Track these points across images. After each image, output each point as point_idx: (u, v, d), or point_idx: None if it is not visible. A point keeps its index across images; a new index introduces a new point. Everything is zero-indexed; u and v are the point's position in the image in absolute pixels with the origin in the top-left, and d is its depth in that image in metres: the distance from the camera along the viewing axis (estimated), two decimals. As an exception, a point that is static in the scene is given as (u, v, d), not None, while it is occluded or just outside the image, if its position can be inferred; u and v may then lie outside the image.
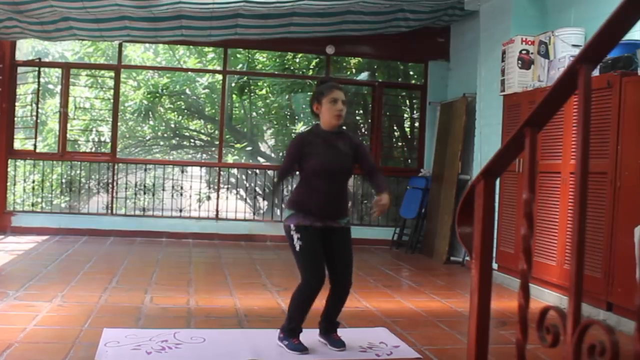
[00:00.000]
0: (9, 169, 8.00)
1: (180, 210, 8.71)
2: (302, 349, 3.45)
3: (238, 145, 12.24)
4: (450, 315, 4.52)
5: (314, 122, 3.66)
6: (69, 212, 8.36)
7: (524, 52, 5.53)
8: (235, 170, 10.95)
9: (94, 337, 3.46)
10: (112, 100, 8.46)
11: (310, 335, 3.62)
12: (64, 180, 8.47)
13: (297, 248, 3.46)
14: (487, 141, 6.30)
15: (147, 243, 7.55)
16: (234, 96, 11.63)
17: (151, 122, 12.44)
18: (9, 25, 7.04)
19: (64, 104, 8.15)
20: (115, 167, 8.32)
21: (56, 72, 10.88)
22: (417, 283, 5.75)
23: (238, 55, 11.31)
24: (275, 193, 4.04)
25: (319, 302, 3.63)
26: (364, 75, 10.85)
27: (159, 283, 5.19)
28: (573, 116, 4.55)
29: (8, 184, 7.99)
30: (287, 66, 10.99)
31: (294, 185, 3.67)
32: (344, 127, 3.66)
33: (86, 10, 6.60)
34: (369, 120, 9.33)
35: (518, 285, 1.66)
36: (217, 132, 9.95)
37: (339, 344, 3.53)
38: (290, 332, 3.51)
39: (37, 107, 8.44)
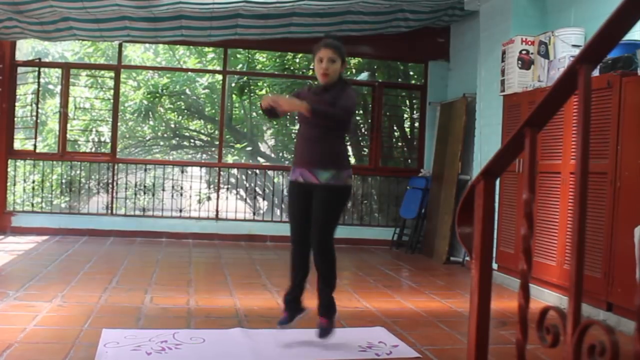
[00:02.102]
0: (9, 169, 7.99)
1: (180, 211, 8.71)
2: (281, 322, 3.58)
3: (238, 146, 12.25)
4: (450, 315, 4.52)
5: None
6: (69, 212, 8.36)
7: (524, 52, 5.53)
8: (235, 171, 10.96)
9: (93, 338, 3.46)
10: (112, 101, 8.46)
11: (307, 335, 3.62)
12: (64, 181, 8.47)
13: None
14: (487, 141, 6.30)
15: (147, 243, 7.55)
16: (233, 96, 11.63)
17: (151, 122, 12.45)
18: (9, 25, 7.04)
19: (64, 104, 8.14)
20: (115, 167, 8.32)
21: (56, 72, 10.89)
22: (417, 283, 5.75)
23: (238, 56, 11.31)
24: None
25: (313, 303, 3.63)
26: (364, 75, 10.85)
27: (159, 283, 5.19)
28: (573, 116, 4.55)
29: (8, 184, 7.99)
30: (287, 66, 11.00)
31: None
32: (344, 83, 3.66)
33: (86, 10, 6.60)
34: (369, 120, 9.33)
35: (518, 285, 1.66)
36: (217, 132, 9.95)
37: (322, 333, 3.54)
38: (284, 302, 3.65)
39: (37, 107, 8.44)
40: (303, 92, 3.73)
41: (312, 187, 3.53)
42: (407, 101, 10.54)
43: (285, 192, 8.59)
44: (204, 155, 12.94)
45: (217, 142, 9.27)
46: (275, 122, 12.59)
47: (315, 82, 3.80)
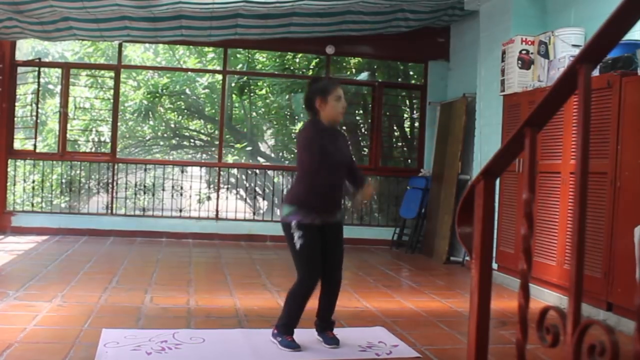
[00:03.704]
0: (9, 169, 8.00)
1: (180, 210, 8.71)
2: (295, 347, 3.48)
3: (238, 145, 12.25)
4: (450, 315, 4.52)
5: (312, 118, 3.60)
6: (69, 212, 8.36)
7: (524, 52, 5.53)
8: (235, 170, 10.95)
9: (93, 337, 3.46)
10: (112, 100, 8.46)
11: (307, 335, 3.62)
12: (64, 180, 8.47)
13: (297, 247, 3.46)
14: (487, 141, 6.30)
15: (147, 243, 7.55)
16: (233, 96, 11.63)
17: (151, 122, 12.44)
18: (9, 25, 7.04)
19: (64, 104, 8.15)
20: (115, 167, 8.32)
21: (56, 72, 10.88)
22: (417, 283, 5.75)
23: (238, 55, 11.31)
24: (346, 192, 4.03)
25: (313, 302, 3.64)
26: (364, 75, 10.85)
27: (159, 283, 5.19)
28: (573, 116, 4.55)
29: (8, 184, 7.99)
30: (287, 66, 10.99)
31: (297, 181, 3.67)
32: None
33: (86, 10, 6.60)
34: (369, 120, 9.33)
35: (518, 285, 1.66)
36: (217, 132, 9.95)
37: (333, 341, 3.55)
38: (285, 329, 3.53)
39: (37, 107, 8.44)
40: (318, 131, 3.52)
41: (326, 225, 3.55)
42: (407, 101, 10.54)
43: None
44: (204, 155, 12.94)
45: (217, 142, 9.27)
46: (275, 122, 12.60)
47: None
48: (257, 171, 10.10)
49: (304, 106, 3.73)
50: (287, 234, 3.52)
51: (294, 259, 3.54)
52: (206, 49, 11.14)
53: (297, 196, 3.55)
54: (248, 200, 11.25)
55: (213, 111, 12.07)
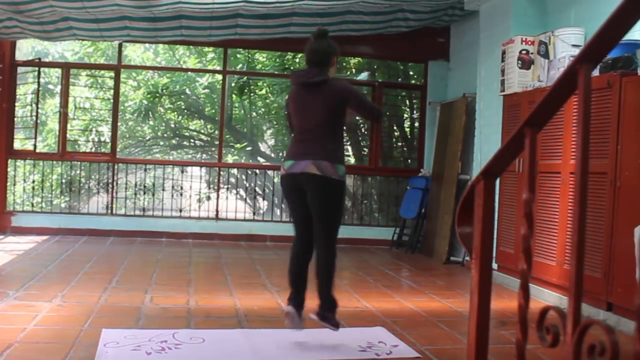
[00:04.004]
0: (9, 169, 8.00)
1: (180, 210, 8.71)
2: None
3: (238, 145, 12.25)
4: (450, 315, 4.52)
5: (331, 75, 3.65)
6: (69, 212, 8.36)
7: (523, 52, 5.53)
8: (235, 170, 10.96)
9: (93, 337, 3.46)
10: (112, 100, 8.46)
11: (307, 335, 3.62)
12: (63, 180, 8.47)
13: (342, 208, 3.53)
14: (487, 141, 6.30)
15: (147, 243, 7.55)
16: (233, 96, 11.63)
17: (151, 122, 12.45)
18: (9, 25, 7.04)
19: (64, 104, 8.14)
20: (115, 167, 8.32)
21: (56, 72, 10.89)
22: (417, 283, 5.75)
23: (238, 55, 11.31)
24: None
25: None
26: (364, 75, 10.85)
27: (159, 283, 5.19)
28: (573, 116, 4.55)
29: (8, 184, 7.99)
30: (287, 66, 10.99)
31: (334, 139, 3.56)
32: None
33: (86, 10, 6.60)
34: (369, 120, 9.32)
35: (518, 285, 1.66)
36: (217, 132, 9.95)
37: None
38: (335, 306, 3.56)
39: (37, 107, 8.44)
40: None
41: None
42: (407, 101, 10.54)
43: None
44: (204, 155, 12.94)
45: (217, 142, 9.27)
46: (275, 122, 12.59)
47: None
48: (257, 171, 10.10)
49: (316, 59, 3.67)
50: (337, 193, 3.47)
51: (332, 222, 3.49)
52: (206, 49, 11.14)
53: (343, 153, 3.59)
54: (248, 200, 11.25)
55: (213, 111, 12.07)
